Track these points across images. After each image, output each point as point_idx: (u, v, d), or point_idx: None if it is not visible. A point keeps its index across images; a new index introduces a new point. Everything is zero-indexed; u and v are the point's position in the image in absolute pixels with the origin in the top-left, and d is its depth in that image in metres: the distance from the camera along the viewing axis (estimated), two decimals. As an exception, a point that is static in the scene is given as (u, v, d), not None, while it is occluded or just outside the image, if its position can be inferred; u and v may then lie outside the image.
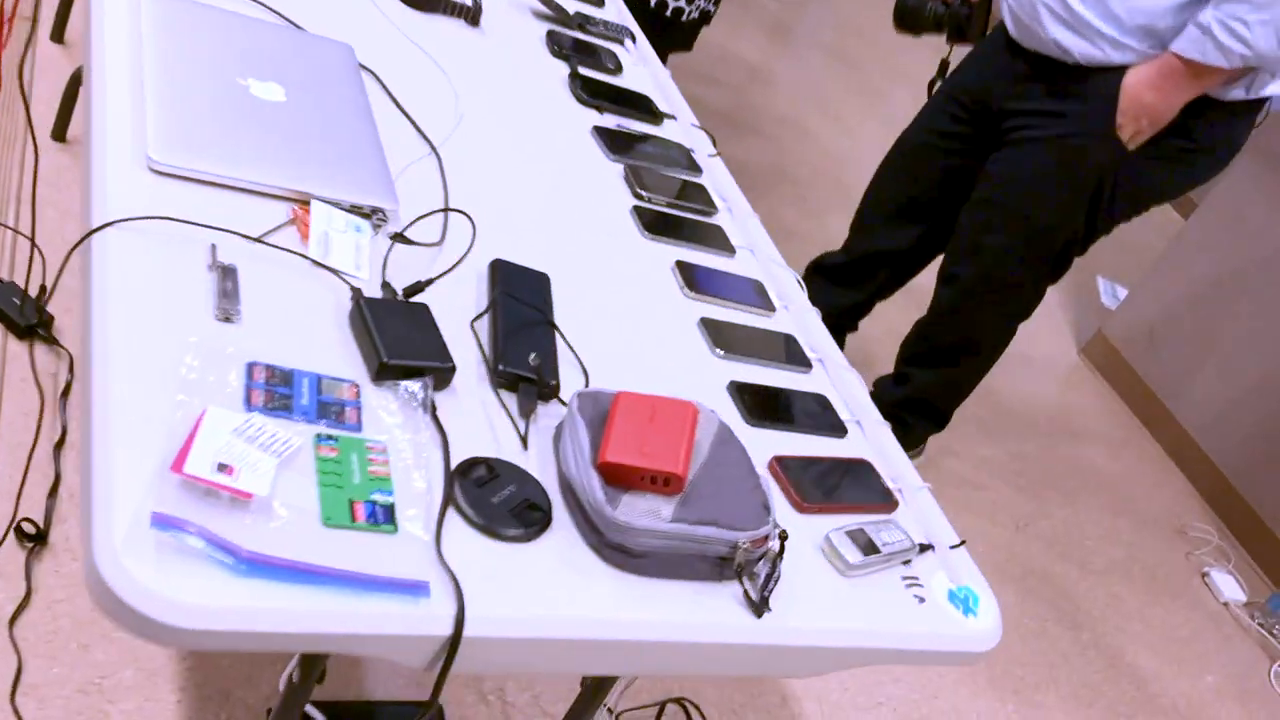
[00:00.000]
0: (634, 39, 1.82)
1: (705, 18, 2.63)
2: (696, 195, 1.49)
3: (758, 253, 1.46)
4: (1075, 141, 2.31)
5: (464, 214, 1.21)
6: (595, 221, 1.34)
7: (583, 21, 1.75)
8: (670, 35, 2.69)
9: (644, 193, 1.42)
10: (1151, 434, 3.57)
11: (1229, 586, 3.04)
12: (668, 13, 2.60)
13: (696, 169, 1.56)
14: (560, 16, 1.73)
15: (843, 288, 2.82)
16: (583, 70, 1.63)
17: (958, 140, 2.51)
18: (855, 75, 4.95)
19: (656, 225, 1.38)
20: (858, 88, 4.81)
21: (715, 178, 1.57)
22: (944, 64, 2.65)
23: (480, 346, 1.05)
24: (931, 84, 2.61)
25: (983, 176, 2.46)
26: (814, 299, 1.45)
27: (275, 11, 1.36)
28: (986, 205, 2.45)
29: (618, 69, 1.70)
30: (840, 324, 2.83)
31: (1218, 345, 3.46)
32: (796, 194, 3.86)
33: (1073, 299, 4.21)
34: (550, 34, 1.68)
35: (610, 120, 1.57)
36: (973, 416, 2.66)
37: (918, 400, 2.68)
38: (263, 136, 1.12)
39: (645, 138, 1.56)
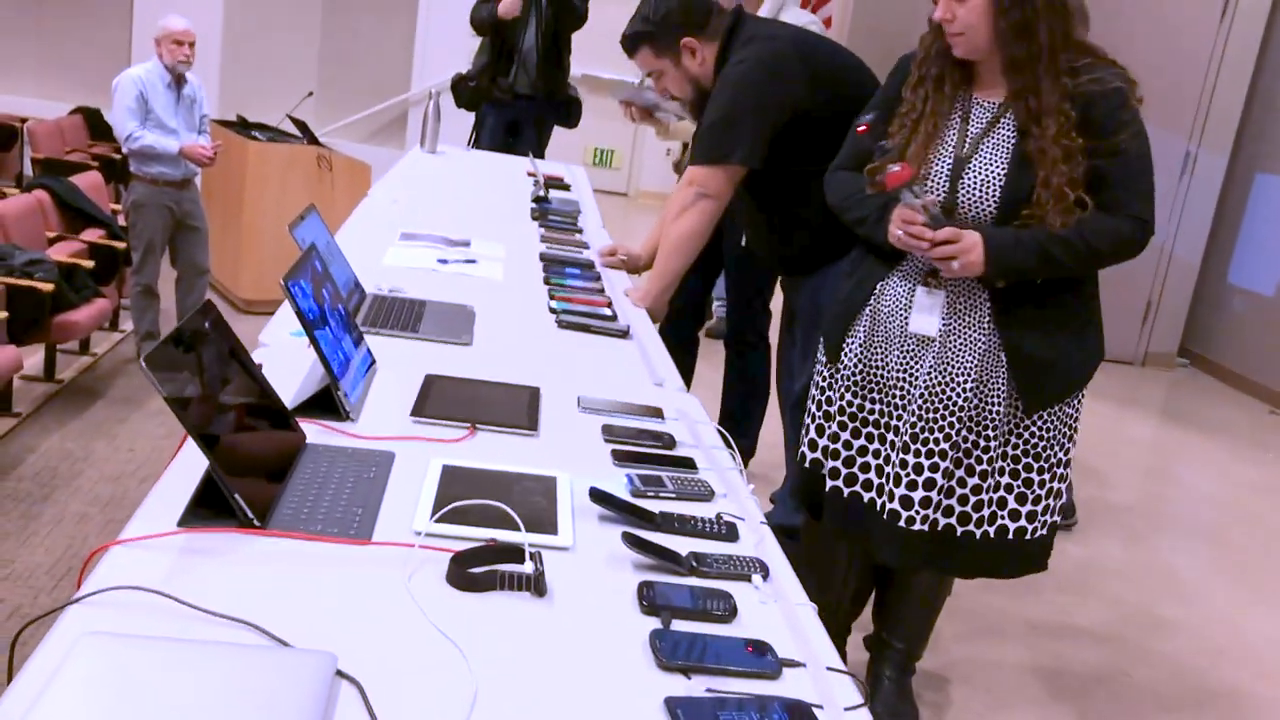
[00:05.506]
0: (766, 573, 1.45)
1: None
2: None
3: None
4: None
5: None
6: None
7: (691, 549, 1.43)
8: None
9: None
10: None
11: None
12: None
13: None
14: (658, 549, 1.42)
15: None
16: (676, 623, 1.29)
17: None
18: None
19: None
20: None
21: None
22: None
23: None
24: None
25: None
26: None
27: (256, 627, 1.16)
28: None
29: (730, 615, 1.34)
30: None
31: None
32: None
33: None
34: (642, 587, 1.36)
35: (699, 684, 1.19)
36: None
37: None
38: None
39: (740, 702, 1.16)
